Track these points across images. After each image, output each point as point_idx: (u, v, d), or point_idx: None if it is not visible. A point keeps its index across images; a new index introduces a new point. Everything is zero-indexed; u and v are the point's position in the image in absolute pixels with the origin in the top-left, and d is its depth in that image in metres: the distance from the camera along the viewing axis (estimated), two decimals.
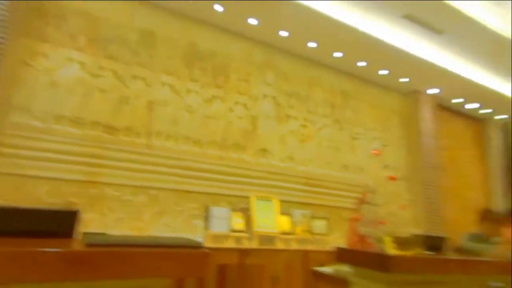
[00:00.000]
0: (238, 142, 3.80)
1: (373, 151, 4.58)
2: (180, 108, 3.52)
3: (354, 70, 4.76)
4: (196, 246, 1.11)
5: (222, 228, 3.22)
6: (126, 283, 1.00)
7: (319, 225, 3.77)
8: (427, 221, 4.65)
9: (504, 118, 5.90)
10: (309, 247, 3.56)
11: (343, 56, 4.37)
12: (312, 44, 4.16)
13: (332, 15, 3.58)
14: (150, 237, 1.44)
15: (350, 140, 4.68)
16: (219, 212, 3.30)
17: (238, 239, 3.28)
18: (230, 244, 3.18)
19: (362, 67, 4.65)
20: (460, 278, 1.77)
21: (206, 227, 3.22)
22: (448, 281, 1.71)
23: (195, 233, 3.25)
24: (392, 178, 4.18)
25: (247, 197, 3.59)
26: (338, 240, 3.78)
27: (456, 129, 5.83)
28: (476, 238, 2.63)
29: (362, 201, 2.56)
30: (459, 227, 4.05)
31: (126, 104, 3.24)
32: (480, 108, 5.62)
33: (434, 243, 1.97)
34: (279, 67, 4.30)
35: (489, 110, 5.70)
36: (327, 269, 2.12)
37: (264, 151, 3.95)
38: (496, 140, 5.98)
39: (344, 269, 1.88)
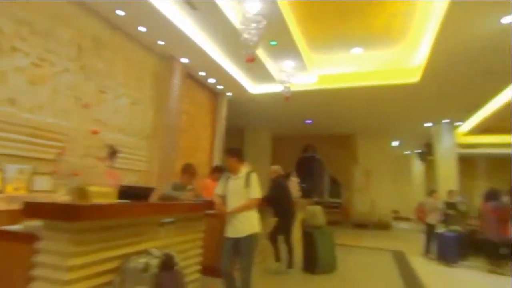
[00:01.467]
0: None
1: (84, 104, 4.30)
2: None
3: (112, 17, 4.42)
4: None
5: None
6: None
7: (43, 181, 3.37)
8: (160, 175, 5.29)
9: (230, 96, 7.60)
10: None
11: None
12: None
13: None
14: None
15: (97, 92, 4.40)
16: None
17: None
18: None
19: (120, 16, 4.39)
20: (148, 219, 2.12)
21: None
22: (135, 223, 2.02)
23: None
24: (95, 132, 4.25)
25: None
26: (65, 196, 3.55)
27: (198, 97, 6.89)
28: (176, 186, 3.28)
29: (61, 154, 2.51)
30: None
31: None
32: (216, 83, 6.91)
33: (142, 192, 2.30)
34: None
35: (222, 87, 7.13)
36: (16, 227, 1.90)
37: None
38: (223, 112, 7.62)
39: (36, 224, 1.79)
